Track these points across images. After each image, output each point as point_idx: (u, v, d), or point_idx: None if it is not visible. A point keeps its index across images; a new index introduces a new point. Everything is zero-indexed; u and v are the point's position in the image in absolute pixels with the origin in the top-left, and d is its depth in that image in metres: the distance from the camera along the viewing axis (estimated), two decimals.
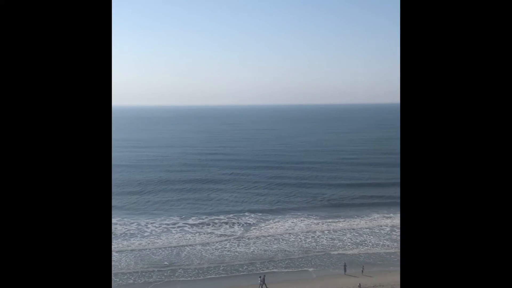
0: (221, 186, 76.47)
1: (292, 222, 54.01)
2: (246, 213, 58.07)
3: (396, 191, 66.49)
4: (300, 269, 39.90)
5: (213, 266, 40.55)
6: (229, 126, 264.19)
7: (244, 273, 39.10)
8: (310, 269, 39.85)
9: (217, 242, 47.07)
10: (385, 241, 46.95)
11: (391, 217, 55.71)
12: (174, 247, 45.57)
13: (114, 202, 59.06)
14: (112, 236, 42.66)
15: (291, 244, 46.35)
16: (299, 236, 48.77)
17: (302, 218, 55.74)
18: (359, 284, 34.93)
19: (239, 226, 52.81)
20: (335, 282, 36.49)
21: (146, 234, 49.93)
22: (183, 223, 53.88)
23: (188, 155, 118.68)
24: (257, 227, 52.56)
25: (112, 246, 37.94)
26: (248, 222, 54.49)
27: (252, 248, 45.25)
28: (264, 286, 35.13)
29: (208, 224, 53.59)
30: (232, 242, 47.03)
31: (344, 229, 51.07)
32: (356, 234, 49.25)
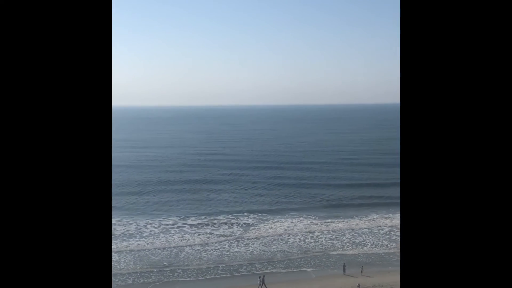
0: (220, 186, 76.45)
1: (291, 223, 54.00)
2: (245, 214, 58.06)
3: (395, 192, 66.52)
4: (299, 270, 39.89)
5: (212, 266, 40.53)
6: (228, 126, 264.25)
7: (243, 273, 39.08)
8: (309, 269, 39.84)
9: (216, 243, 47.05)
10: (384, 241, 46.94)
11: (390, 217, 55.71)
12: (173, 247, 45.55)
13: (113, 202, 59.01)
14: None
15: (290, 244, 46.33)
16: (298, 237, 48.76)
17: (301, 219, 55.74)
18: (358, 284, 34.93)
19: (238, 227, 52.79)
20: (334, 282, 36.49)
21: (145, 234, 49.91)
22: (182, 224, 53.85)
23: (188, 155, 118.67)
24: (256, 227, 52.54)
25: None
26: (247, 222, 54.48)
27: (251, 248, 45.24)
28: (263, 286, 35.11)
29: (207, 225, 53.57)
30: (231, 243, 47.02)
31: (343, 230, 51.06)
32: (355, 235, 49.24)
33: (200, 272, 39.29)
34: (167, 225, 53.36)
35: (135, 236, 49.08)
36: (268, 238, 48.43)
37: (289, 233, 49.97)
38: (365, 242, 46.65)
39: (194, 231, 51.01)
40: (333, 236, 48.77)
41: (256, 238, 48.53)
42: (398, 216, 54.74)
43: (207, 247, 45.59)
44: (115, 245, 45.28)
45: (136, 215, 57.82)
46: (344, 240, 47.55)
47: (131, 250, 44.53)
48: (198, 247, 45.57)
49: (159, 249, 45.04)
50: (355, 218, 55.79)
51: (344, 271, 38.28)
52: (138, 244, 46.39)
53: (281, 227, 52.27)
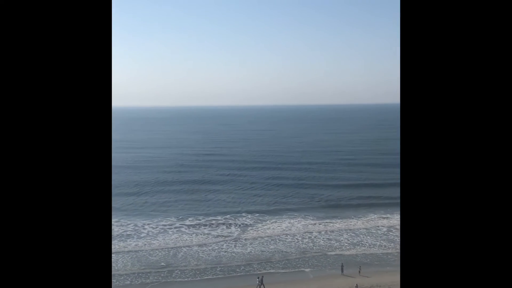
0: (218, 187, 76.37)
1: (289, 223, 53.96)
2: (243, 214, 58.00)
3: (393, 192, 66.58)
4: (297, 270, 39.84)
5: (210, 267, 40.47)
6: (227, 126, 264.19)
7: (241, 273, 39.02)
8: (307, 270, 39.80)
9: (214, 243, 46.98)
10: (382, 241, 46.94)
11: (388, 217, 55.71)
12: (171, 248, 45.46)
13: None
14: None
15: (288, 244, 46.29)
16: (296, 237, 48.73)
17: (299, 219, 55.70)
18: (356, 284, 34.92)
19: (236, 227, 52.73)
20: (332, 282, 36.47)
21: (143, 235, 49.81)
22: (180, 224, 53.76)
23: (185, 155, 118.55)
24: (254, 227, 52.48)
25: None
26: (245, 222, 54.42)
27: (249, 248, 45.18)
28: (262, 286, 35.08)
29: (205, 225, 53.49)
30: (229, 243, 46.95)
31: (341, 230, 51.04)
32: (353, 235, 49.23)
33: (198, 272, 39.21)
34: (165, 225, 53.26)
35: (133, 237, 48.98)
36: (266, 238, 48.38)
37: (287, 234, 49.93)
38: (363, 242, 46.64)
39: (192, 232, 50.93)
40: (331, 237, 48.75)
41: (254, 238, 48.47)
42: (396, 217, 54.77)
43: (205, 248, 45.52)
44: (113, 245, 45.18)
45: (134, 215, 57.72)
46: (342, 240, 47.53)
47: (129, 251, 44.44)
48: (196, 248, 45.49)
49: (157, 249, 44.95)
50: (353, 218, 55.77)
51: (342, 271, 38.27)
52: (136, 245, 46.30)
53: (279, 228, 52.23)
